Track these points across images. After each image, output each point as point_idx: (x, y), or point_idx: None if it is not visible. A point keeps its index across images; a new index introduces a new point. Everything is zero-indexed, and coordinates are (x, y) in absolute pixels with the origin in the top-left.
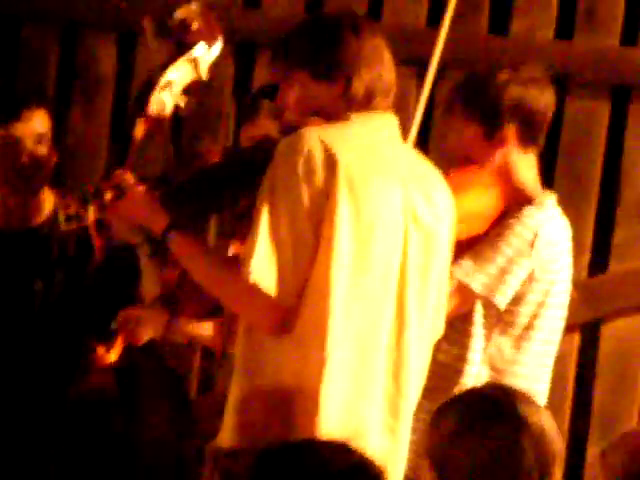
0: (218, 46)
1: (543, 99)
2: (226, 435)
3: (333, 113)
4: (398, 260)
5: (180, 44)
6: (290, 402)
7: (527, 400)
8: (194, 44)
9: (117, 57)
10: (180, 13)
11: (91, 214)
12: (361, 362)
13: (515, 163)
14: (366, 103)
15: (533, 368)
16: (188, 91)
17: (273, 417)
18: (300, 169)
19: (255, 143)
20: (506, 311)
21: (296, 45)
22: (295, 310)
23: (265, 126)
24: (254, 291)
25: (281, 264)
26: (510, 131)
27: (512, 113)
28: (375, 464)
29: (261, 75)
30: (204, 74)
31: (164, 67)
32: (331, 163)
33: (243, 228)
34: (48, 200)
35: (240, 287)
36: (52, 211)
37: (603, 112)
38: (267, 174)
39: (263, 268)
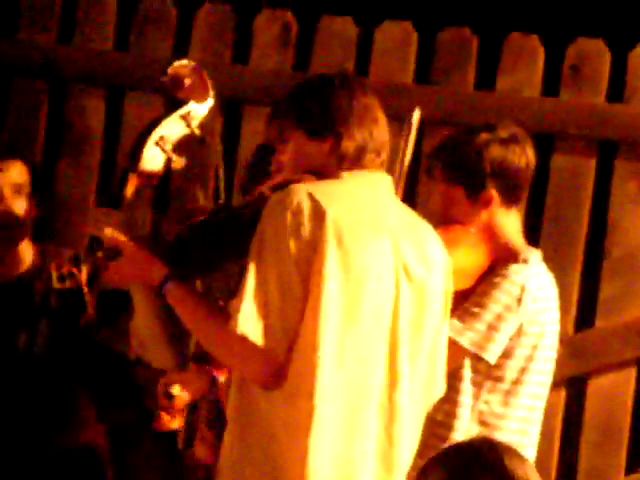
0: (209, 102)
1: (524, 158)
2: None
3: (325, 171)
4: (389, 313)
5: (172, 100)
6: (280, 455)
7: (513, 453)
8: (186, 100)
9: (105, 111)
10: (173, 69)
11: (84, 273)
12: (352, 415)
13: (500, 222)
14: (357, 161)
15: (522, 423)
16: (180, 147)
17: (265, 469)
18: (288, 223)
19: (247, 200)
20: (495, 366)
21: (289, 105)
22: (287, 363)
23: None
24: (243, 344)
25: (269, 317)
26: (493, 192)
27: (494, 175)
28: None
29: (248, 130)
30: (196, 130)
31: (156, 122)
32: (319, 217)
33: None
34: (28, 252)
35: (230, 340)
36: (33, 263)
37: (589, 168)
38: (257, 229)
39: (250, 321)
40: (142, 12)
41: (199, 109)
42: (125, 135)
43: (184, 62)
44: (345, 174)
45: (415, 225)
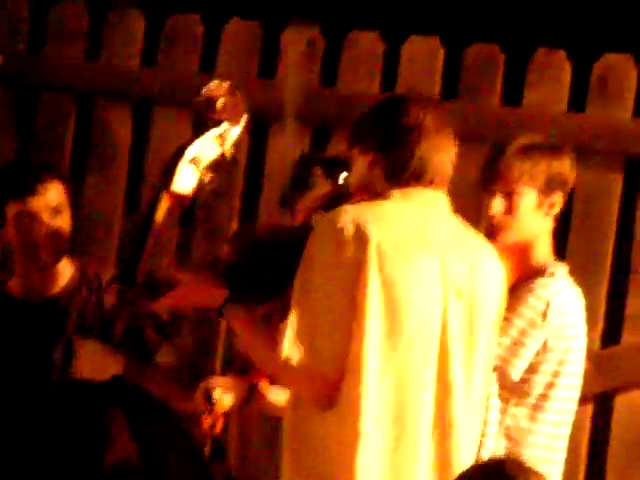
0: (242, 124)
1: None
2: None
3: (375, 189)
4: (437, 331)
5: (205, 120)
6: (332, 474)
7: (530, 474)
8: (219, 121)
9: (132, 127)
10: (207, 90)
11: (140, 307)
12: (401, 433)
13: (546, 234)
14: (403, 179)
15: (549, 438)
16: (212, 167)
17: None
18: (332, 246)
19: (301, 224)
20: (521, 381)
21: (353, 124)
22: (338, 382)
23: (322, 194)
24: (291, 367)
25: (316, 340)
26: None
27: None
28: None
29: (275, 145)
30: (228, 151)
31: (190, 142)
32: (362, 239)
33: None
34: (67, 270)
35: (280, 364)
36: (71, 281)
37: (616, 183)
38: (304, 252)
39: (295, 345)
40: (169, 28)
41: (233, 130)
42: (152, 151)
43: (218, 83)
44: (395, 193)
45: (468, 243)
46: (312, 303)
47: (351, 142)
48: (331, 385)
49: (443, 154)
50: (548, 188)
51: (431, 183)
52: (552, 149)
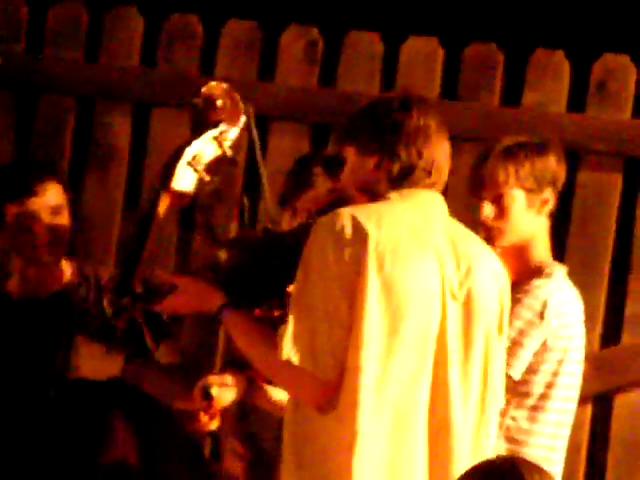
0: (241, 124)
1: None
2: None
3: (374, 189)
4: (435, 333)
5: (204, 121)
6: (332, 475)
7: (536, 470)
8: (218, 121)
9: (131, 128)
10: (205, 90)
11: (139, 309)
12: (399, 435)
13: (542, 232)
14: (405, 180)
15: (549, 438)
16: (211, 167)
17: None
18: (331, 247)
19: (297, 226)
20: (521, 381)
21: (348, 122)
22: (337, 385)
23: (322, 193)
24: (291, 369)
25: (316, 341)
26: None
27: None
28: None
29: (274, 146)
30: (228, 151)
31: (189, 142)
32: (362, 240)
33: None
34: (65, 270)
35: (280, 366)
36: (70, 280)
37: (615, 183)
38: (302, 254)
39: (295, 346)
40: (168, 29)
41: (231, 131)
42: (151, 151)
43: (216, 84)
44: (393, 194)
45: (466, 244)
46: (311, 305)
47: (347, 140)
48: (330, 387)
49: (444, 155)
50: (537, 187)
51: (433, 185)
52: (536, 148)
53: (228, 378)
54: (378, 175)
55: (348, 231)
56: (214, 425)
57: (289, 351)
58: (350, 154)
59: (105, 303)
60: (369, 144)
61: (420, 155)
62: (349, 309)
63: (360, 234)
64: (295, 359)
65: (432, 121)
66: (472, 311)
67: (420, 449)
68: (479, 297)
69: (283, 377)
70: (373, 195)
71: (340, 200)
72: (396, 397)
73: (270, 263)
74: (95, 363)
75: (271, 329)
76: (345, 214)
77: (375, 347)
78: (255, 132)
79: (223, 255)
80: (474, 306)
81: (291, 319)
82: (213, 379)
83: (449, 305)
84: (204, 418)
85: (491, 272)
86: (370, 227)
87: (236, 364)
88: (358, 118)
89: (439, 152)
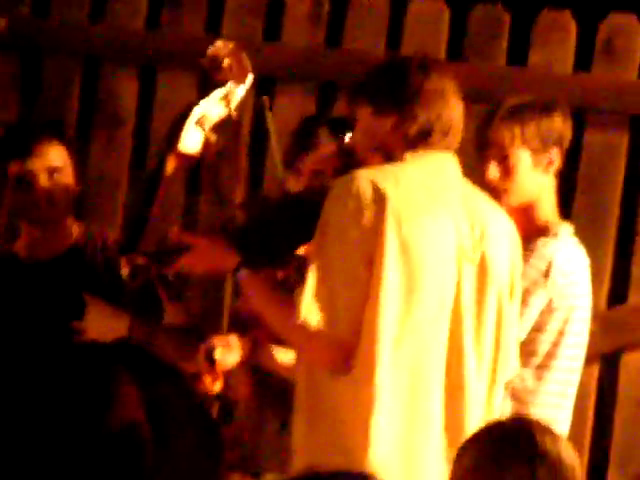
0: (247, 84)
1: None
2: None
3: (391, 150)
4: (451, 295)
5: (211, 81)
6: (347, 437)
7: (546, 431)
8: (224, 81)
9: (138, 90)
10: (212, 50)
11: (155, 271)
12: (415, 397)
13: (548, 192)
14: (422, 141)
15: (556, 397)
16: (218, 127)
17: (334, 455)
18: (350, 209)
19: (311, 187)
20: (527, 341)
21: (363, 81)
22: (354, 348)
23: (326, 154)
24: (309, 332)
25: (334, 304)
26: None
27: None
28: None
29: (280, 106)
30: (234, 111)
31: (195, 103)
32: (380, 202)
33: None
34: (72, 231)
35: (297, 328)
36: (76, 241)
37: (621, 143)
38: (320, 216)
39: (314, 309)
40: None
41: (238, 90)
42: (157, 114)
43: (223, 43)
44: (409, 155)
45: (478, 205)
46: (329, 267)
47: (361, 100)
48: (347, 349)
49: (459, 117)
50: (542, 146)
51: (449, 147)
52: (541, 107)
53: (232, 339)
54: (394, 136)
55: (367, 193)
56: (217, 387)
57: (307, 313)
58: (364, 114)
59: (122, 264)
60: (387, 105)
61: (438, 117)
62: (367, 271)
63: (379, 196)
64: (313, 321)
65: (449, 83)
66: (486, 274)
67: (436, 410)
68: (493, 260)
69: (300, 338)
70: (388, 156)
71: (353, 161)
72: (413, 358)
73: (286, 224)
74: (102, 324)
75: (287, 291)
76: (363, 176)
77: (393, 309)
78: (271, 121)
79: (239, 215)
80: (488, 269)
81: (310, 281)
82: (217, 341)
83: (465, 266)
84: (207, 380)
85: (504, 235)
86: (389, 189)
87: (240, 325)
88: (374, 78)
89: (455, 114)
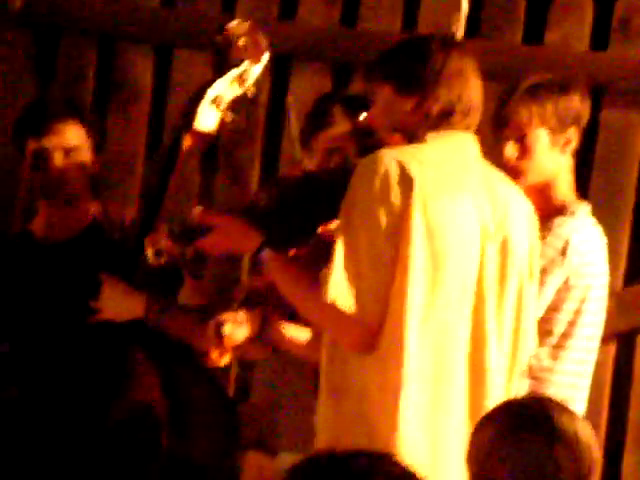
0: (263, 63)
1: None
2: None
3: (411, 130)
4: (475, 275)
5: (227, 60)
6: (373, 417)
7: (562, 410)
8: (240, 60)
9: (154, 69)
10: (228, 29)
11: (178, 250)
12: (440, 377)
13: (565, 171)
14: (443, 121)
15: (572, 376)
16: (234, 106)
17: (359, 434)
18: (377, 189)
19: (332, 166)
20: (544, 319)
21: (383, 59)
22: (379, 328)
23: (340, 132)
24: (335, 312)
25: (360, 284)
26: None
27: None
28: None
29: (296, 86)
30: (250, 90)
31: (211, 82)
32: (407, 182)
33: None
34: (89, 210)
35: (323, 308)
36: (93, 221)
37: (638, 121)
38: (345, 196)
39: (341, 289)
40: None
41: (254, 69)
42: (173, 93)
43: (238, 22)
44: (429, 135)
45: (498, 185)
46: (356, 247)
47: (382, 79)
48: (373, 329)
49: (479, 97)
50: (560, 126)
51: (469, 127)
52: (559, 86)
53: (242, 315)
54: (416, 116)
55: (394, 174)
56: (224, 361)
57: (334, 294)
58: (384, 93)
59: (146, 244)
60: (409, 84)
61: (459, 97)
62: (393, 251)
63: (405, 177)
64: (340, 302)
65: (469, 62)
66: (507, 255)
67: (459, 389)
68: (514, 241)
69: (326, 319)
70: (408, 135)
71: (371, 141)
72: (437, 338)
73: (308, 204)
74: (118, 303)
75: (311, 270)
76: (388, 157)
77: (419, 289)
78: (294, 121)
79: (260, 195)
80: (509, 250)
81: (336, 262)
82: (227, 316)
83: (487, 247)
84: (214, 354)
85: (524, 216)
86: (414, 170)
87: (251, 301)
88: (395, 57)
89: (475, 94)
